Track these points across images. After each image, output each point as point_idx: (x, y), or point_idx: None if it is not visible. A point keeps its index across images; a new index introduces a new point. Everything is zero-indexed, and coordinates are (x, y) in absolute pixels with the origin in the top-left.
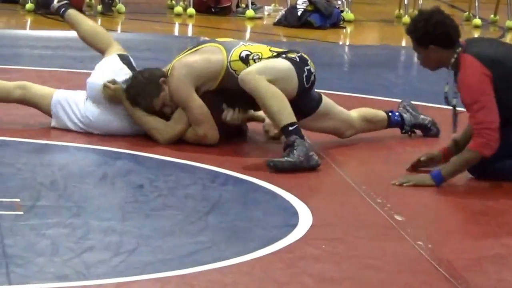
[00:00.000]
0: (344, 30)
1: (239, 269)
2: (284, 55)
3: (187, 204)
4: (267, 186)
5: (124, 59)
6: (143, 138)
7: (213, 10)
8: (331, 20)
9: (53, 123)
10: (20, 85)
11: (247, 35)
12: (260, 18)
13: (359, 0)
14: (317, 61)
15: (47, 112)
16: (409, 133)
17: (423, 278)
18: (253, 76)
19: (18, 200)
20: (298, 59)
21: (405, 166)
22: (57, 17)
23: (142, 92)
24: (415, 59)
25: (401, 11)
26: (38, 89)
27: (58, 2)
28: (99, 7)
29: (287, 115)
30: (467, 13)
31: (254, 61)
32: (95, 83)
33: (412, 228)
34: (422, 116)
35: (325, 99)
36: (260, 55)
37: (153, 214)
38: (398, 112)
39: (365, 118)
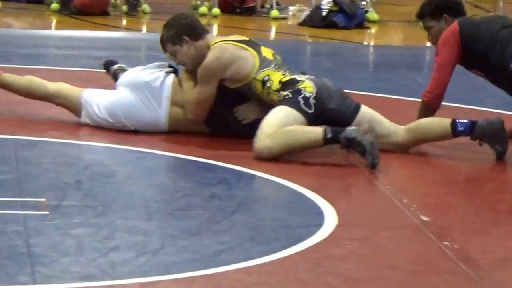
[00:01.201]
0: (369, 31)
1: (264, 269)
2: (283, 92)
3: (212, 204)
4: (292, 186)
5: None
6: (168, 138)
7: (237, 10)
8: (355, 20)
9: (82, 118)
10: (56, 85)
11: (272, 35)
12: (284, 18)
13: (383, 1)
14: (342, 61)
15: (74, 110)
16: (478, 141)
17: (448, 278)
18: (267, 146)
19: (44, 199)
20: (291, 95)
21: (430, 167)
22: (82, 17)
23: (167, 28)
24: None
25: None
26: (70, 88)
27: None
28: (124, 8)
29: (315, 135)
30: (491, 13)
31: (267, 88)
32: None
33: (437, 228)
34: (496, 145)
35: (364, 111)
36: (271, 84)
37: (178, 214)
38: (467, 120)
39: (419, 135)
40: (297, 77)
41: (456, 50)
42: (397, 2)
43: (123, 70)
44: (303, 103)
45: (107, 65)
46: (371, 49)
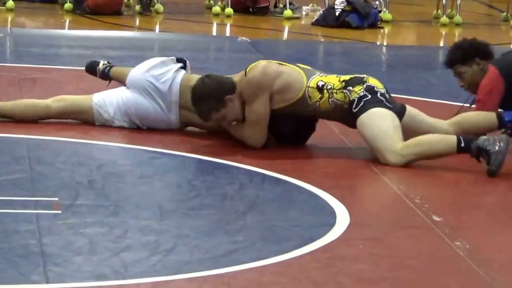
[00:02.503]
0: (382, 31)
1: (276, 268)
2: (351, 88)
3: (224, 204)
4: (304, 186)
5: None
6: (181, 138)
7: (251, 10)
8: (368, 20)
9: (97, 121)
10: (56, 99)
11: (285, 35)
12: (298, 18)
13: (397, 0)
14: (355, 61)
15: (88, 116)
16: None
17: (461, 278)
18: (400, 156)
19: (57, 199)
20: (369, 95)
21: (442, 167)
22: (96, 16)
23: (203, 101)
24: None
25: (439, 11)
26: (76, 97)
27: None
28: (138, 7)
29: (449, 144)
30: (505, 13)
31: (328, 90)
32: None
33: (450, 228)
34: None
35: (410, 110)
36: (332, 85)
37: (190, 214)
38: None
39: (462, 129)
40: (357, 75)
41: (501, 93)
42: (410, 2)
43: (111, 66)
44: (386, 100)
45: (91, 68)
46: (384, 49)
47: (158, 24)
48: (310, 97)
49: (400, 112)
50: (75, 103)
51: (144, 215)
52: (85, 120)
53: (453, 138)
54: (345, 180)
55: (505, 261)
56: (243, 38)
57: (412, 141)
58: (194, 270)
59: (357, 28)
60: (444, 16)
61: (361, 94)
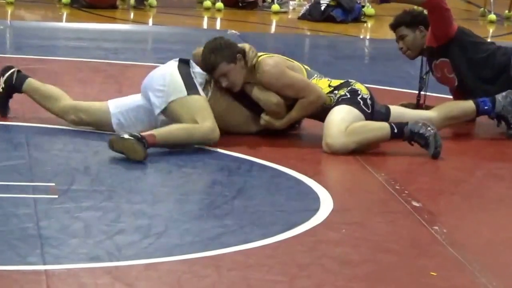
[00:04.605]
0: (365, 25)
1: (263, 251)
2: (336, 91)
3: (214, 189)
4: (290, 173)
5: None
6: None
7: (240, 4)
8: (352, 14)
9: (115, 126)
10: (71, 106)
11: (273, 28)
12: (285, 12)
13: None
14: (339, 54)
15: (103, 116)
16: (496, 120)
17: (438, 261)
18: (344, 143)
19: (53, 184)
20: (349, 95)
21: (422, 156)
22: (92, 10)
23: (217, 51)
24: None
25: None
26: (92, 110)
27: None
28: (132, 1)
29: (383, 130)
30: (483, 8)
31: None
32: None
33: (428, 213)
34: None
35: (393, 110)
36: (321, 87)
37: (181, 199)
38: (490, 99)
39: (446, 117)
40: (348, 80)
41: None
42: None
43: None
44: (363, 104)
45: (3, 72)
46: (367, 42)
47: (151, 18)
48: None
49: (385, 114)
50: (91, 105)
51: (137, 200)
52: (96, 125)
53: (387, 126)
54: (329, 167)
55: (480, 245)
56: (233, 31)
57: (352, 127)
58: (184, 252)
59: (341, 22)
60: (425, 11)
61: (342, 94)
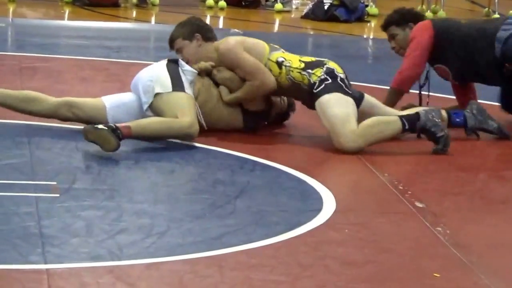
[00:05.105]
0: (369, 24)
1: (265, 251)
2: (311, 71)
3: (216, 189)
4: (293, 173)
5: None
6: None
7: (243, 3)
8: (356, 14)
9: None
10: (64, 102)
11: (276, 27)
12: (288, 11)
13: None
14: (342, 53)
15: (99, 113)
16: (473, 135)
17: (441, 262)
18: (360, 146)
19: (55, 183)
20: (329, 79)
21: (426, 156)
22: (94, 8)
23: (179, 26)
24: None
25: (424, 7)
26: (86, 104)
27: None
28: (134, 0)
29: (395, 126)
30: (487, 8)
31: (285, 67)
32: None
33: (432, 214)
34: (489, 121)
35: (367, 98)
36: (291, 63)
37: (183, 198)
38: (463, 113)
39: None
40: (318, 59)
41: (429, 39)
42: None
43: None
44: (345, 85)
45: None
46: (371, 42)
47: (154, 16)
48: (270, 70)
49: (358, 99)
50: (86, 101)
51: (139, 199)
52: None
53: (399, 122)
54: (332, 167)
55: (484, 246)
56: (236, 30)
57: (365, 128)
58: (186, 252)
59: (344, 21)
60: (429, 11)
61: (322, 77)
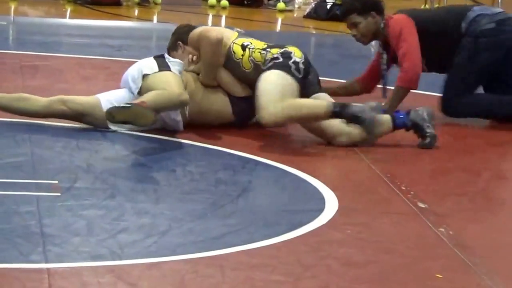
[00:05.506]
0: None
1: (267, 251)
2: (269, 49)
3: (218, 188)
4: (295, 172)
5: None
6: None
7: (245, 2)
8: None
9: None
10: (58, 99)
11: (278, 27)
12: (290, 10)
13: None
14: (345, 52)
15: (95, 120)
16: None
17: (444, 263)
18: (273, 114)
19: (56, 182)
20: (281, 58)
21: (428, 156)
22: (96, 6)
23: (172, 35)
24: None
25: (427, 6)
26: (80, 98)
27: None
28: None
29: (321, 106)
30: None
31: (249, 49)
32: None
33: (434, 215)
34: (429, 129)
35: (324, 93)
36: (254, 46)
37: (185, 198)
38: (403, 112)
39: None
40: (282, 44)
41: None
42: None
43: None
44: (294, 68)
45: None
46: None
47: (156, 15)
48: (234, 53)
49: (310, 87)
50: (83, 103)
51: (140, 198)
52: (89, 120)
53: (327, 104)
54: (334, 167)
55: (487, 247)
56: (238, 29)
57: (289, 104)
58: (187, 252)
59: None
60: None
61: (275, 55)
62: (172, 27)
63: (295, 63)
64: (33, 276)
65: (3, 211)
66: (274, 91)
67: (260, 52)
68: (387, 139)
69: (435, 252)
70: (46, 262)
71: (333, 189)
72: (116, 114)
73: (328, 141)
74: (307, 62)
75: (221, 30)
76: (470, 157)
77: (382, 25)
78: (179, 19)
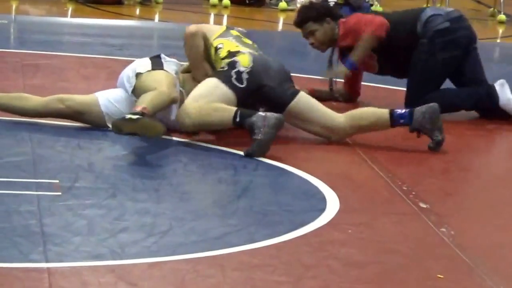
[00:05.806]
0: None
1: (268, 251)
2: (226, 60)
3: (219, 188)
4: (296, 172)
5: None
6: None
7: (247, 1)
8: (360, 12)
9: (108, 123)
10: (56, 98)
11: (280, 26)
12: (292, 10)
13: None
14: None
15: (94, 118)
16: (416, 133)
17: (445, 263)
18: (188, 115)
19: (57, 181)
20: (226, 67)
21: (429, 156)
22: (97, 5)
23: None
24: None
25: (429, 6)
26: (78, 97)
27: None
28: None
29: (227, 114)
30: (492, 8)
31: (217, 55)
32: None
33: (435, 215)
34: (435, 132)
35: (304, 98)
36: (221, 51)
37: (186, 197)
38: (406, 111)
39: (355, 126)
40: (242, 50)
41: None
42: None
43: None
44: (235, 78)
45: None
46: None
47: (157, 14)
48: (210, 54)
49: (281, 100)
50: (82, 102)
51: (141, 198)
52: (88, 119)
53: (232, 110)
54: (336, 167)
55: (488, 247)
56: (240, 28)
57: (205, 104)
58: (188, 251)
59: None
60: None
61: (223, 65)
62: (174, 26)
63: (238, 72)
64: (33, 276)
65: (3, 210)
66: (196, 97)
67: (221, 58)
68: (387, 139)
69: (437, 252)
70: (47, 261)
71: (334, 189)
72: (123, 127)
73: (329, 139)
74: (255, 71)
75: (204, 25)
76: (472, 158)
77: (336, 30)
78: (181, 18)
